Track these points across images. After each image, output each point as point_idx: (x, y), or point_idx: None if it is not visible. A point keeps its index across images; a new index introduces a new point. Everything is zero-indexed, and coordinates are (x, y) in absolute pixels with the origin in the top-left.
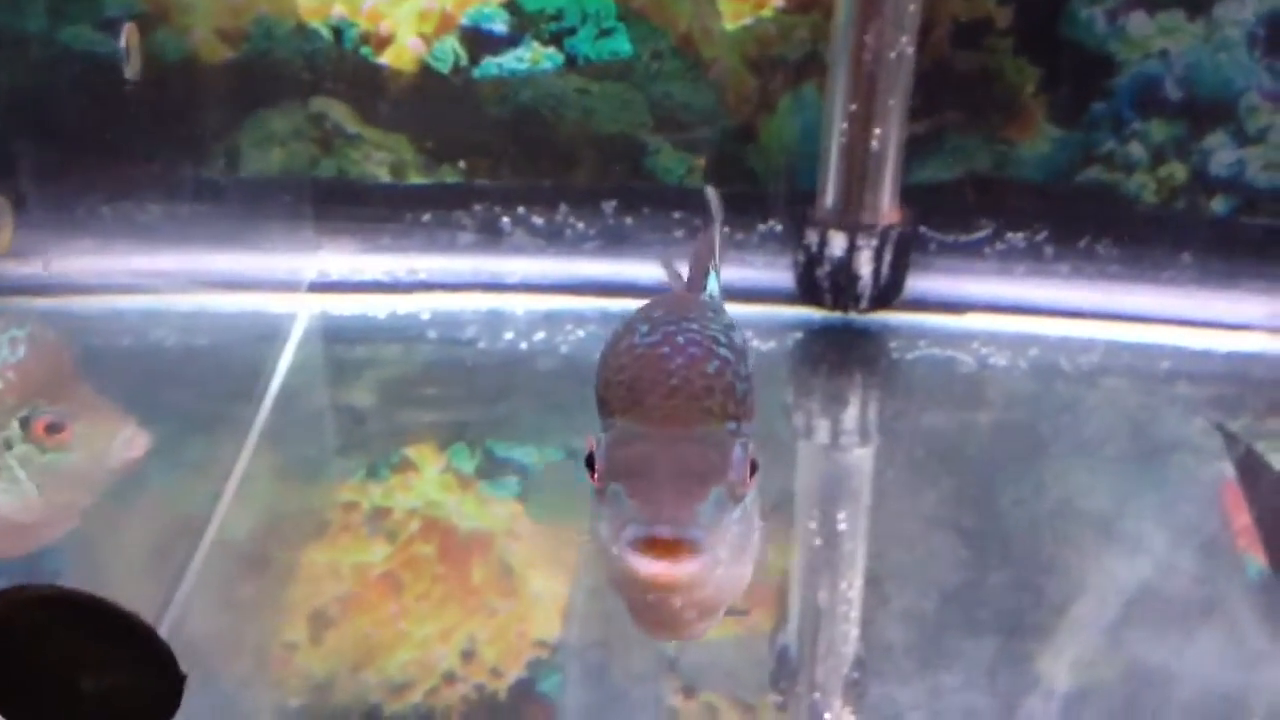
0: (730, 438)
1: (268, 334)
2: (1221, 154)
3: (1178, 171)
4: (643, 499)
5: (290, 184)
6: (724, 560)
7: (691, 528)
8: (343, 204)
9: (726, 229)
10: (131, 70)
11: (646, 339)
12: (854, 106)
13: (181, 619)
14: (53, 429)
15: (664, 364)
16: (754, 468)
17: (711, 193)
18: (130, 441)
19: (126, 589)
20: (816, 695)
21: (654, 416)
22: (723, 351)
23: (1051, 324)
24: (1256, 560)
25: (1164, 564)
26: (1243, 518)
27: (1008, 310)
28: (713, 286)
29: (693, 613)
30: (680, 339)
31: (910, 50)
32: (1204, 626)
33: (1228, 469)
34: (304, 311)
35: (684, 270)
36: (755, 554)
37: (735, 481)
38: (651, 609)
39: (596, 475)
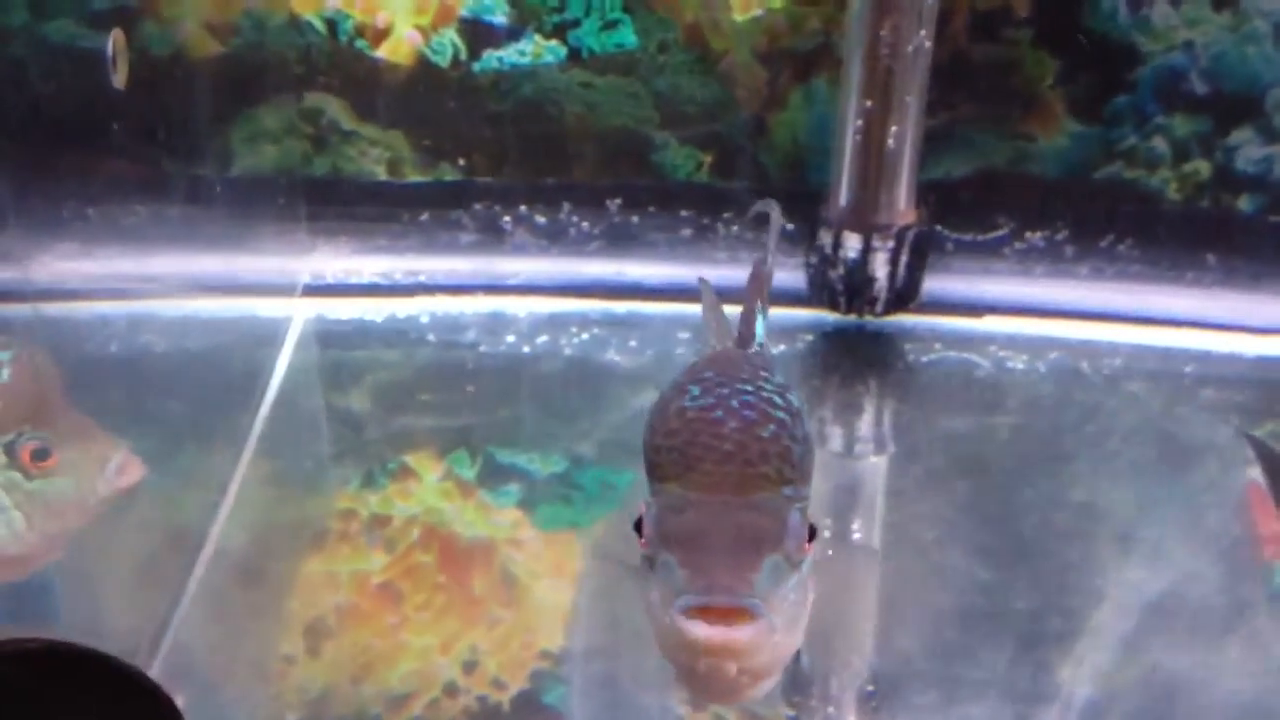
0: (786, 504)
1: (261, 339)
2: (1248, 150)
3: (1202, 168)
4: (695, 569)
5: (283, 183)
6: (780, 628)
7: (748, 598)
8: (338, 203)
9: (735, 228)
10: (119, 79)
11: (698, 401)
12: (869, 103)
13: (179, 633)
14: (39, 455)
15: (717, 428)
16: (811, 533)
17: (774, 214)
18: (122, 468)
19: (124, 606)
20: (830, 709)
21: (707, 483)
22: (779, 414)
23: (1072, 327)
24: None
25: (1187, 572)
26: (1269, 525)
27: (1026, 312)
28: (760, 334)
29: (746, 678)
30: (734, 402)
31: (928, 44)
32: (1228, 636)
33: (1253, 476)
34: (298, 315)
35: (718, 304)
36: (805, 620)
37: (792, 549)
38: (704, 676)
39: (646, 542)
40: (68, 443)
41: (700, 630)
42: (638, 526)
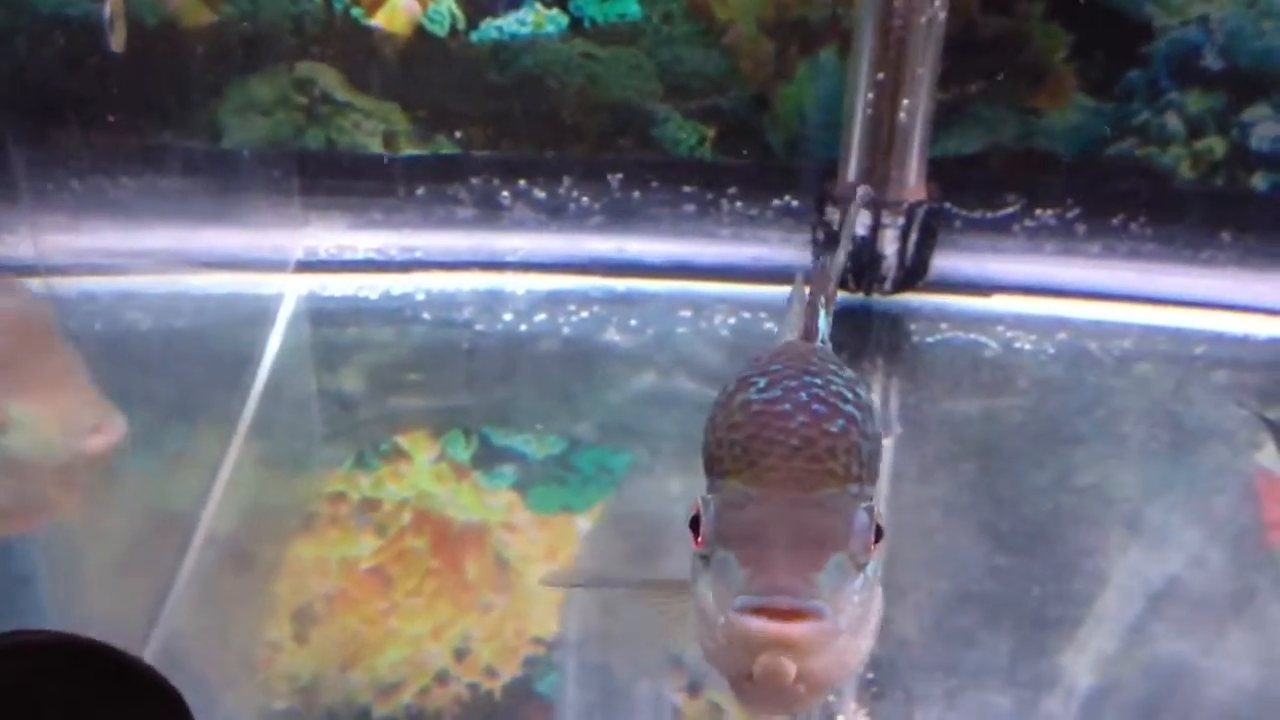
0: (853, 501)
1: (252, 316)
2: (1263, 127)
3: (1217, 145)
4: (756, 567)
5: (275, 155)
6: (844, 631)
7: (810, 598)
8: (331, 177)
9: (754, 210)
10: (116, 41)
11: (764, 394)
12: (881, 76)
13: (169, 620)
14: None
15: (783, 422)
16: (879, 534)
17: (851, 211)
18: (98, 428)
19: (115, 592)
20: (831, 696)
21: (771, 479)
22: (848, 409)
23: (1082, 306)
24: None
25: (1194, 557)
26: (1277, 511)
27: (1036, 292)
28: (824, 329)
29: (803, 686)
30: (802, 395)
31: (942, 15)
32: (1234, 622)
33: (1263, 460)
34: (291, 292)
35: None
36: (876, 624)
37: (857, 549)
38: (760, 681)
39: (702, 539)
40: (28, 397)
41: (759, 625)
42: (693, 524)
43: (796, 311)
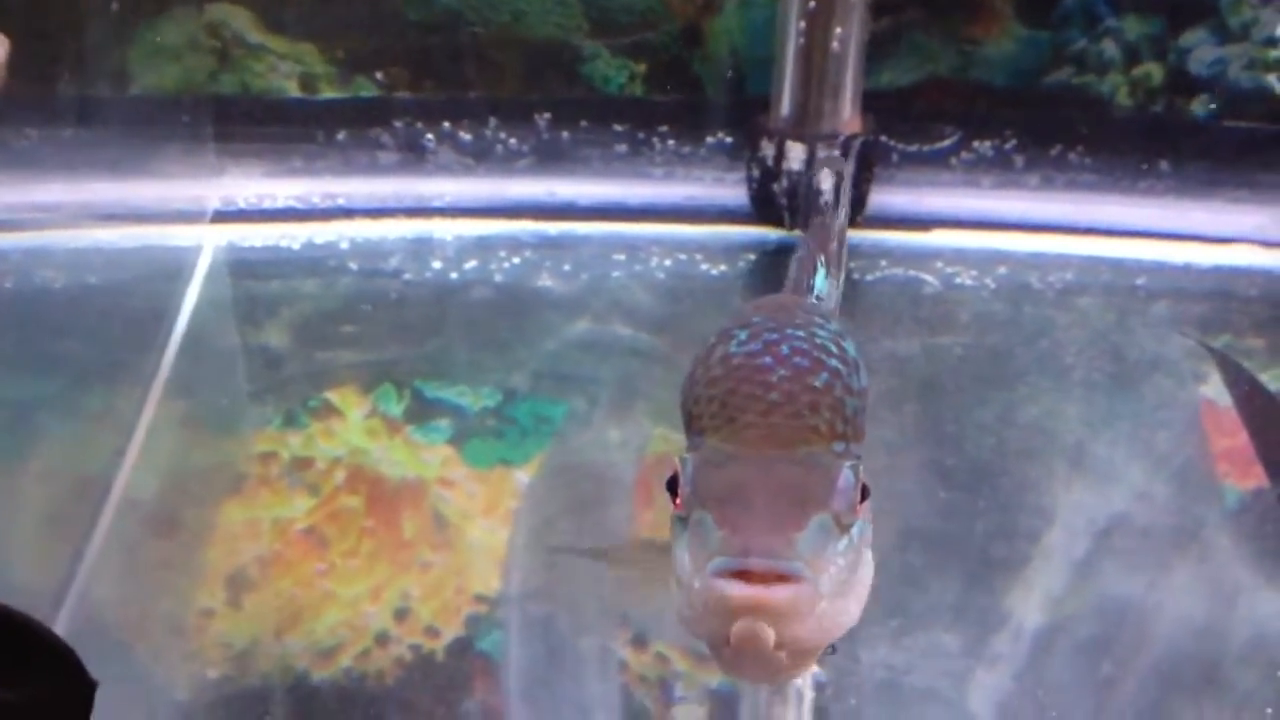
0: (837, 460)
1: (169, 270)
2: (1201, 51)
3: (1154, 72)
4: (733, 528)
5: (187, 102)
6: (826, 595)
7: (789, 560)
8: (247, 123)
9: (687, 148)
10: None
11: (744, 347)
12: (813, 4)
13: (86, 588)
14: None
15: (763, 376)
16: (865, 493)
17: (847, 168)
18: None
19: (25, 558)
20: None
21: (750, 436)
22: (833, 363)
23: (1021, 239)
24: (1236, 487)
25: (1140, 492)
26: (1222, 442)
27: (975, 225)
28: (821, 286)
29: (785, 654)
30: (784, 348)
31: None
32: (1183, 556)
33: (1207, 391)
34: (209, 244)
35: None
36: (865, 589)
37: (842, 509)
38: (739, 648)
39: (680, 501)
40: None
41: (734, 589)
42: (671, 486)
43: (795, 268)
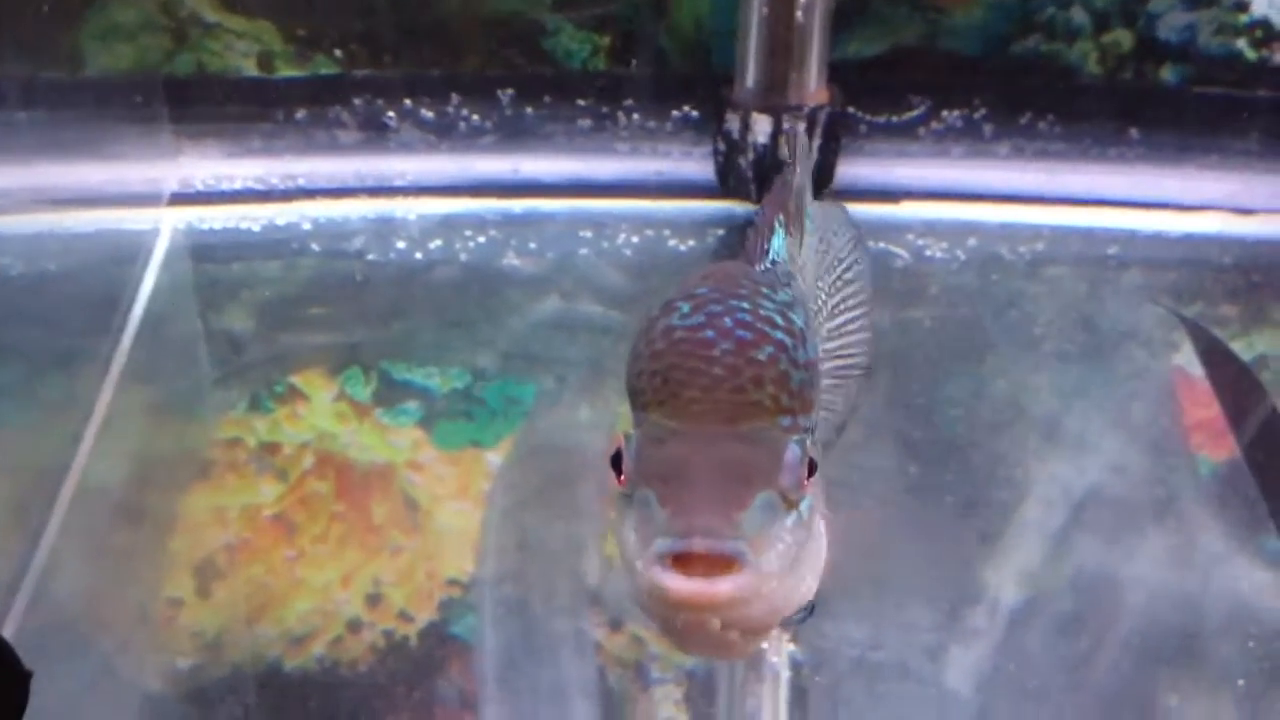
0: (783, 434)
1: (126, 254)
2: (1170, 18)
3: (1123, 38)
4: (676, 506)
5: (142, 82)
6: (774, 573)
7: (731, 540)
8: (204, 103)
9: (653, 122)
10: None
11: (686, 320)
12: None
13: (46, 579)
14: None
15: (705, 350)
16: (812, 468)
17: (799, 132)
18: None
19: None
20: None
21: (692, 411)
22: (778, 335)
23: (991, 210)
24: (1209, 458)
25: (1113, 464)
26: (1196, 413)
27: (945, 196)
28: (779, 249)
29: (736, 633)
30: (726, 320)
31: None
32: (1157, 527)
33: (1180, 361)
34: (166, 227)
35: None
36: (818, 563)
37: (788, 485)
38: (686, 629)
39: (623, 477)
40: None
41: (675, 584)
42: (615, 461)
43: (751, 236)
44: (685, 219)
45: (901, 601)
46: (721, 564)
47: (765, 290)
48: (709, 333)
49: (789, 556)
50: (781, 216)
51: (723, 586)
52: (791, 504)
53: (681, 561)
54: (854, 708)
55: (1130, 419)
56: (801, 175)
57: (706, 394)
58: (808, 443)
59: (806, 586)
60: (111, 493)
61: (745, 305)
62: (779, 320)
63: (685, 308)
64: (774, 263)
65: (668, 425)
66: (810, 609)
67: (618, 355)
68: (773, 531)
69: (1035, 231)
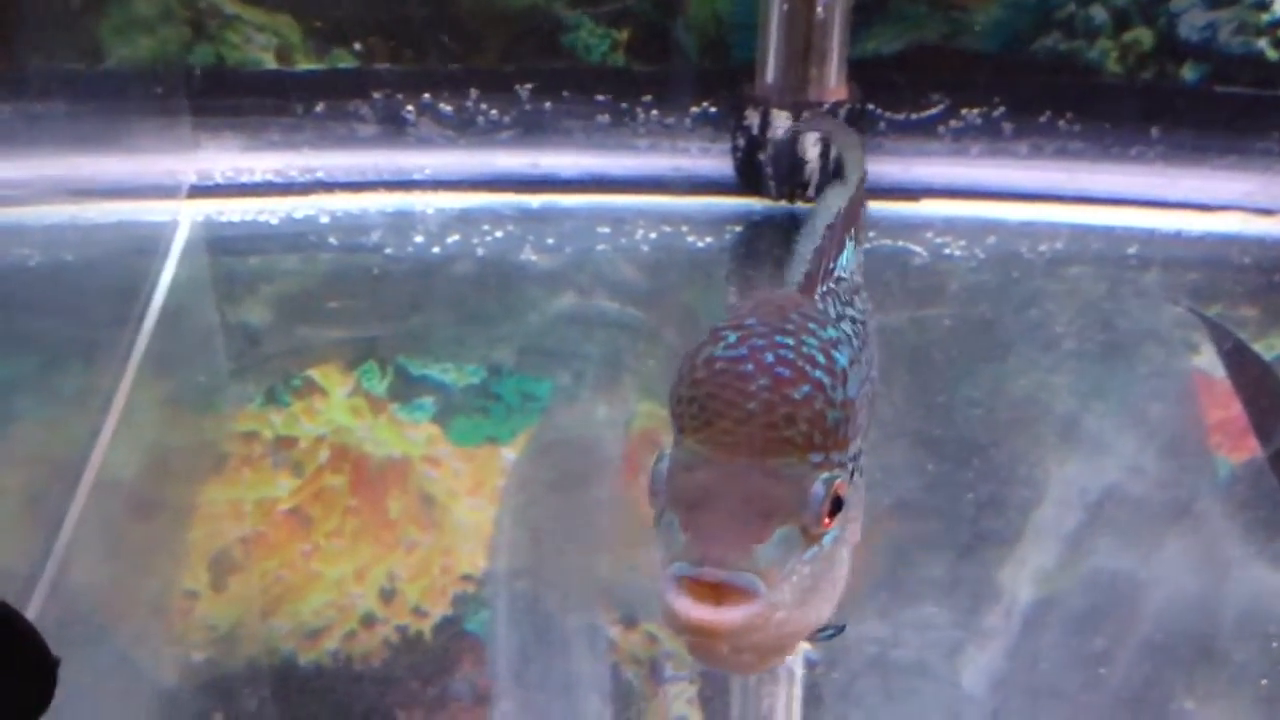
0: (812, 470)
1: (145, 246)
2: (1191, 16)
3: (1144, 37)
4: (695, 534)
5: (162, 74)
6: (784, 605)
7: (744, 571)
8: (223, 95)
9: (671, 118)
10: None
11: (729, 352)
12: None
13: (63, 571)
14: None
15: (743, 384)
16: (838, 504)
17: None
18: None
19: None
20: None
21: (724, 442)
22: (816, 374)
23: (1011, 208)
24: (1228, 459)
25: (1132, 465)
26: (1215, 413)
27: (964, 195)
28: (846, 261)
29: (750, 655)
30: (768, 356)
31: None
32: (1177, 530)
33: (1199, 362)
34: (185, 219)
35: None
36: (836, 592)
37: (810, 520)
38: (698, 648)
39: (655, 497)
40: None
41: (685, 608)
42: (653, 480)
43: (803, 249)
44: (703, 215)
45: (917, 600)
46: (733, 592)
47: (812, 326)
48: (749, 366)
49: (803, 589)
50: (854, 229)
51: (728, 615)
52: (813, 538)
53: (696, 587)
54: (868, 707)
55: (1149, 419)
56: (859, 183)
57: (739, 426)
58: (839, 479)
59: (820, 614)
60: (128, 485)
61: (789, 341)
62: (820, 359)
63: (731, 337)
64: (840, 279)
65: (699, 452)
66: (841, 628)
67: (634, 351)
68: (788, 565)
69: (1054, 230)
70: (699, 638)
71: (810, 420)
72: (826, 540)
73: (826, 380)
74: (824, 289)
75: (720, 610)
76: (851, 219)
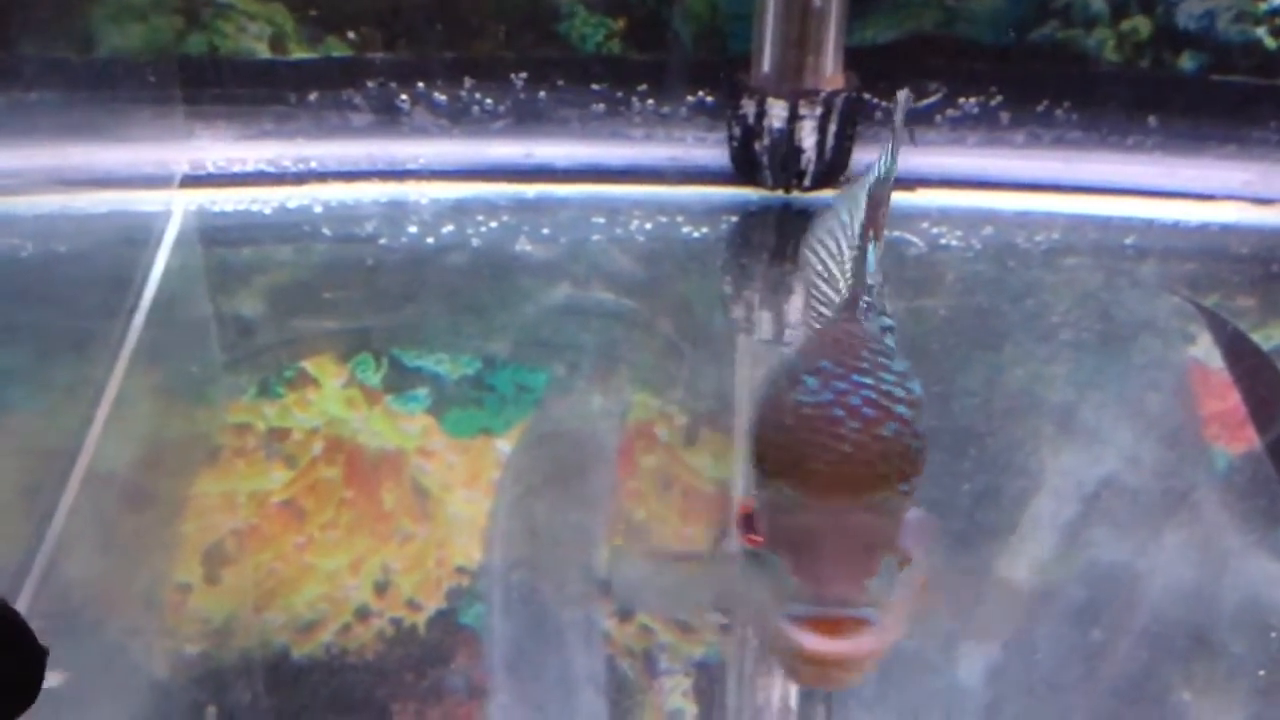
0: (902, 500)
1: (137, 236)
2: (1189, 5)
3: (1141, 26)
4: (809, 576)
5: (155, 63)
6: (894, 628)
7: (862, 606)
8: (216, 84)
9: (667, 108)
10: None
11: (815, 397)
12: None
13: (54, 563)
14: None
15: (834, 428)
16: (926, 527)
17: (898, 123)
18: None
19: None
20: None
21: (821, 485)
22: (900, 409)
23: (1008, 198)
24: (1225, 451)
25: (1129, 455)
26: (1212, 404)
27: (960, 184)
28: (872, 265)
29: (854, 674)
30: (854, 399)
31: None
32: (1170, 521)
33: (1197, 352)
34: (178, 209)
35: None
36: (915, 601)
37: (906, 547)
38: (812, 675)
39: (754, 537)
40: None
41: (811, 642)
42: (745, 523)
43: (831, 244)
44: (699, 205)
45: None
46: (850, 623)
47: (883, 360)
48: (837, 411)
49: (905, 610)
50: (874, 233)
51: (856, 646)
52: (906, 562)
53: (815, 624)
54: (863, 697)
55: (1146, 410)
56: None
57: (834, 469)
58: (918, 504)
59: (905, 624)
60: (120, 476)
61: (869, 381)
62: (900, 393)
63: (811, 383)
64: (871, 287)
65: (794, 495)
66: None
67: (630, 342)
68: (894, 592)
69: (1051, 220)
70: (822, 668)
71: (899, 454)
72: (915, 559)
73: (909, 414)
74: (864, 304)
75: (844, 642)
76: (871, 224)
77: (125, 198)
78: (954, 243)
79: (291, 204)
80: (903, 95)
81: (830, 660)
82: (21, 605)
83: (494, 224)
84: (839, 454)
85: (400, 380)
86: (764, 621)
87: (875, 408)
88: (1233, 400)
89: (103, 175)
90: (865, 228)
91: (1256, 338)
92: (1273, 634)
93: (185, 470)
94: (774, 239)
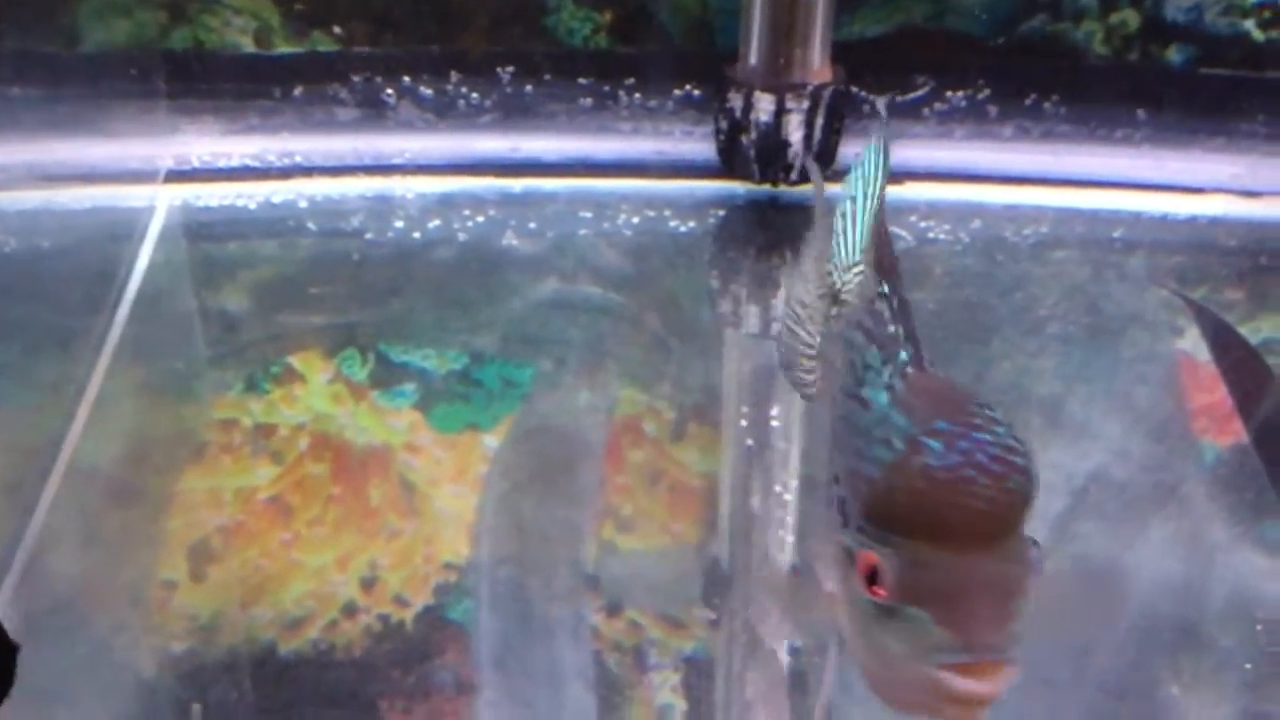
0: (1025, 543)
1: (121, 231)
2: None
3: (1130, 19)
4: (958, 629)
5: (139, 58)
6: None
7: (1009, 651)
8: (201, 79)
9: (654, 101)
10: None
11: (944, 460)
12: None
13: (38, 559)
14: None
15: (967, 487)
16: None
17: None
18: None
19: None
20: (752, 610)
21: (956, 540)
22: (1018, 460)
23: (996, 191)
24: (1213, 444)
25: (1118, 449)
26: (1200, 398)
27: (948, 178)
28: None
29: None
30: (980, 457)
31: None
32: (1159, 513)
33: (1185, 345)
34: (162, 204)
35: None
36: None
37: (1033, 584)
38: (969, 713)
39: (886, 592)
40: None
41: (962, 685)
42: (870, 577)
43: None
44: (687, 199)
45: None
46: (996, 667)
47: (989, 413)
48: (969, 471)
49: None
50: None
51: (1003, 684)
52: (1028, 596)
53: (966, 668)
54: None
55: (1134, 403)
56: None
57: (967, 525)
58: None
59: None
60: (105, 473)
61: (988, 438)
62: (1013, 443)
63: (936, 446)
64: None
65: (929, 552)
66: None
67: (618, 337)
68: (1023, 626)
69: (1040, 213)
70: (968, 708)
71: (1024, 502)
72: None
73: (1024, 463)
74: (894, 328)
75: (993, 683)
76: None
77: (110, 193)
78: (942, 236)
79: (277, 199)
80: (882, 103)
81: (977, 699)
82: (3, 602)
83: (480, 218)
84: (976, 512)
85: (387, 375)
86: (895, 671)
87: (1000, 463)
88: (1220, 393)
89: (87, 170)
90: (876, 266)
91: (1244, 330)
92: (1260, 627)
93: (170, 466)
94: (761, 233)
